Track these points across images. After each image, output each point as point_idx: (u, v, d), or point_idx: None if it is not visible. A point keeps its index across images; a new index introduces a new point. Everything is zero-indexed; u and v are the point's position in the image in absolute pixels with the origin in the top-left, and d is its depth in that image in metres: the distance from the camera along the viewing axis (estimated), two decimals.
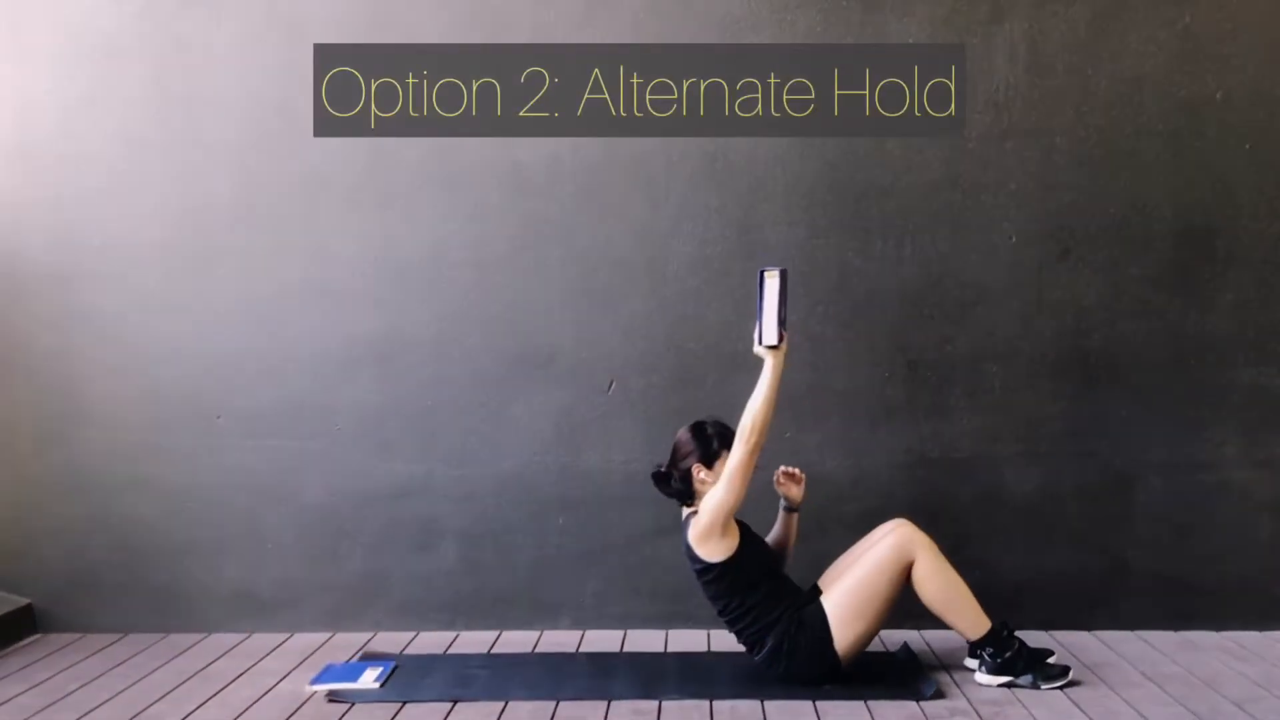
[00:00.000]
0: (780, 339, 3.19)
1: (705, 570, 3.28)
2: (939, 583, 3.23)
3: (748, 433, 3.17)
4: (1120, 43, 3.73)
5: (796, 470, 3.46)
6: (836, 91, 3.75)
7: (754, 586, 3.27)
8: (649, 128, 3.78)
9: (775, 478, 3.46)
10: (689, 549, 3.29)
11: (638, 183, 3.82)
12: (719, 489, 3.20)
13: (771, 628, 3.25)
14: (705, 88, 3.77)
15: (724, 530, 3.23)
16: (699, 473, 3.29)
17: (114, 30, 3.85)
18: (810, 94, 3.75)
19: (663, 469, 3.38)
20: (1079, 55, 3.73)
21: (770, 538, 3.50)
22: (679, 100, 3.77)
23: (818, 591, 3.36)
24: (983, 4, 3.73)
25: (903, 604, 3.26)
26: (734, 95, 3.76)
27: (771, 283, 3.21)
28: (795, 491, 3.46)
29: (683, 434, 3.36)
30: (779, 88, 3.76)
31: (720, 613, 3.33)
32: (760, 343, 3.23)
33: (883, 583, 3.21)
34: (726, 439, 3.29)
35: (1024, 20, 3.73)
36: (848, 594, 3.22)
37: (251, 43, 3.84)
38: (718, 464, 3.28)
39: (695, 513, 3.29)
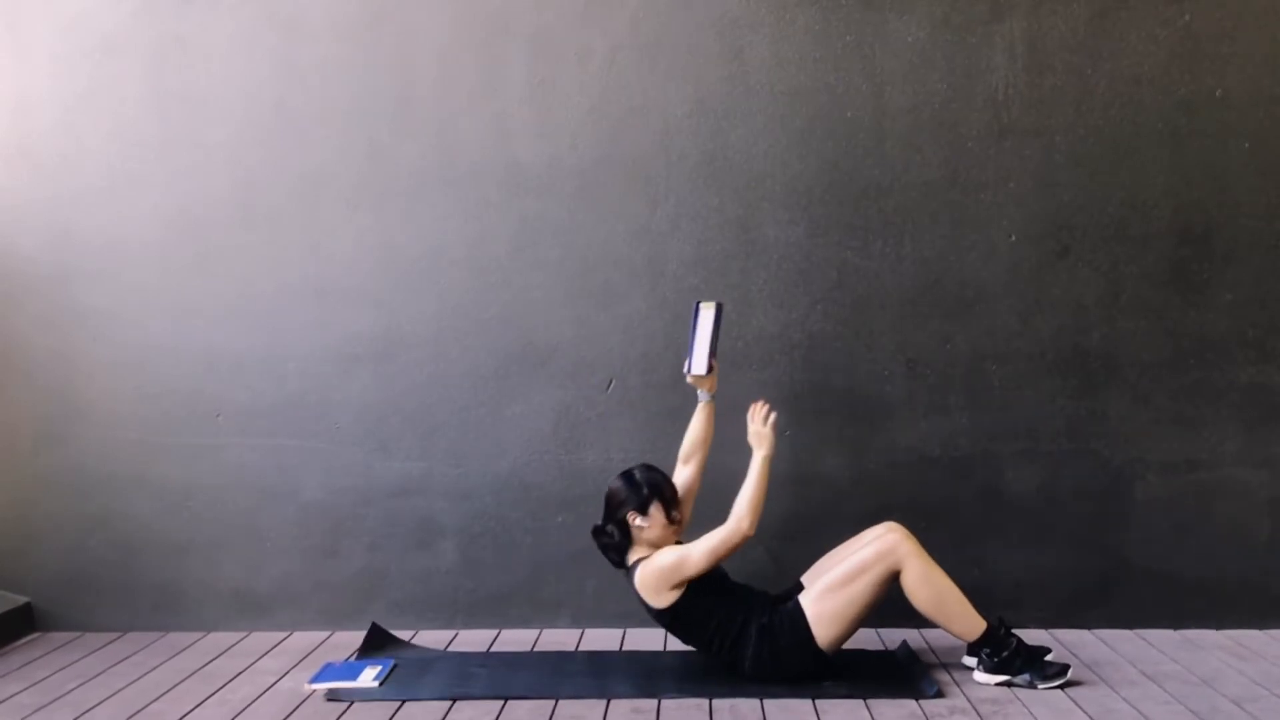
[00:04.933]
0: (710, 369, 3.35)
1: (659, 615, 3.31)
2: (929, 590, 3.22)
3: (746, 513, 3.19)
4: (1119, 41, 3.73)
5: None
6: (836, 90, 3.76)
7: (710, 614, 3.28)
8: (648, 126, 3.79)
9: (687, 378, 3.42)
10: (639, 595, 3.31)
11: (636, 182, 3.82)
12: (693, 556, 3.21)
13: (743, 639, 3.26)
14: (704, 86, 3.77)
15: (676, 585, 3.25)
16: (635, 519, 3.30)
17: (112, 29, 3.85)
18: (809, 92, 3.75)
19: (600, 524, 3.39)
20: (1078, 54, 3.73)
21: (690, 436, 3.48)
22: (678, 98, 3.78)
23: (798, 587, 3.36)
24: (982, 2, 3.73)
25: (903, 604, 3.25)
26: (733, 94, 3.77)
27: (706, 313, 3.36)
28: (712, 383, 3.44)
29: (614, 484, 3.37)
30: (778, 85, 3.76)
31: (691, 645, 3.35)
32: (690, 371, 3.36)
33: (864, 586, 3.20)
34: (657, 485, 3.32)
35: (1023, 19, 3.73)
36: (828, 595, 3.22)
37: (250, 41, 3.84)
38: (652, 509, 3.29)
39: (643, 559, 3.30)
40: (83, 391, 3.92)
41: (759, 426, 3.31)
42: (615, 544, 3.35)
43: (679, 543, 3.37)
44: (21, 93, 3.89)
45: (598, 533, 3.39)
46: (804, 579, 3.41)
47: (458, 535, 3.90)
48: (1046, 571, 3.80)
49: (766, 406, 3.34)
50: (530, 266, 3.84)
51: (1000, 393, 3.80)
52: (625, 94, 3.79)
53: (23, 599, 3.93)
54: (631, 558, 3.35)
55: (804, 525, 3.79)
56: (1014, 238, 3.78)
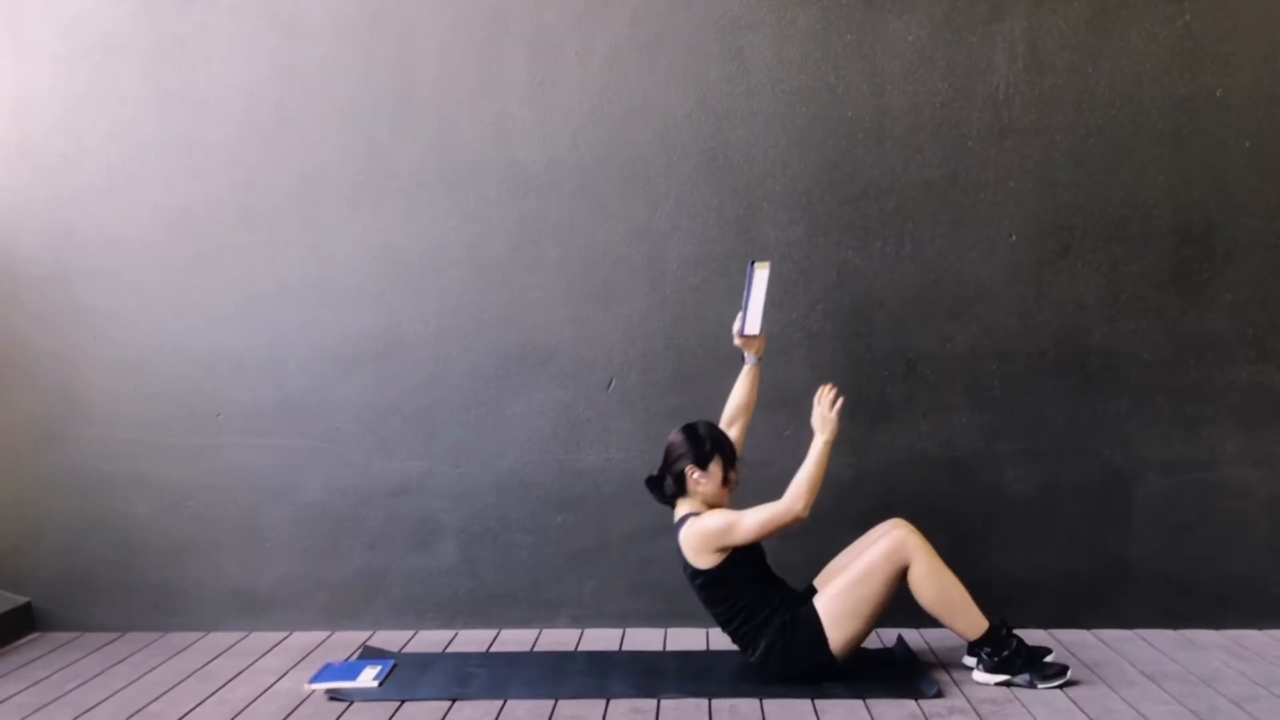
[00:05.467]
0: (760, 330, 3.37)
1: (694, 575, 3.31)
2: (935, 586, 3.22)
3: (802, 494, 3.18)
4: (1120, 41, 3.72)
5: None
6: (836, 90, 3.75)
7: (743, 590, 3.28)
8: (648, 126, 3.79)
9: (735, 340, 3.43)
10: (680, 552, 3.32)
11: (636, 181, 3.82)
12: (743, 524, 3.21)
13: (763, 628, 3.26)
14: (704, 86, 3.77)
15: (721, 550, 3.25)
16: (692, 474, 3.30)
17: (112, 28, 3.85)
18: (810, 91, 3.75)
19: (655, 474, 3.39)
20: (1078, 53, 3.73)
21: (734, 400, 3.50)
22: (678, 98, 3.78)
23: (812, 591, 3.37)
24: (982, 2, 3.73)
25: (904, 603, 3.26)
26: (733, 94, 3.77)
27: (762, 273, 3.33)
28: (760, 345, 3.46)
29: (675, 436, 3.37)
30: (779, 85, 3.76)
31: (712, 614, 3.35)
32: (743, 332, 3.35)
33: (876, 584, 3.21)
34: (719, 442, 3.31)
35: (1023, 18, 3.72)
36: (841, 595, 3.23)
37: (250, 41, 3.84)
38: (711, 465, 3.29)
39: (693, 515, 3.29)
40: (83, 391, 3.92)
41: (825, 410, 3.28)
42: (668, 496, 3.37)
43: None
44: (21, 93, 3.89)
45: (652, 482, 3.39)
46: (816, 582, 3.41)
47: (458, 535, 3.90)
48: (1046, 571, 3.80)
49: (834, 390, 3.31)
50: (530, 266, 3.84)
51: (1000, 392, 3.80)
52: (625, 94, 3.79)
53: (23, 599, 3.93)
54: (680, 511, 3.35)
55: (804, 525, 3.75)
56: (1014, 237, 3.78)
